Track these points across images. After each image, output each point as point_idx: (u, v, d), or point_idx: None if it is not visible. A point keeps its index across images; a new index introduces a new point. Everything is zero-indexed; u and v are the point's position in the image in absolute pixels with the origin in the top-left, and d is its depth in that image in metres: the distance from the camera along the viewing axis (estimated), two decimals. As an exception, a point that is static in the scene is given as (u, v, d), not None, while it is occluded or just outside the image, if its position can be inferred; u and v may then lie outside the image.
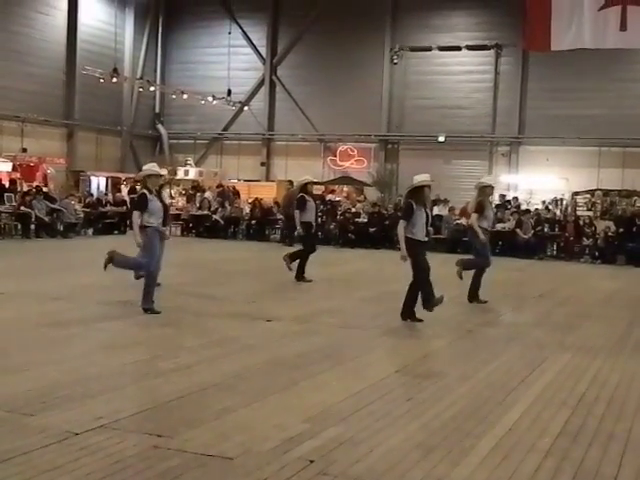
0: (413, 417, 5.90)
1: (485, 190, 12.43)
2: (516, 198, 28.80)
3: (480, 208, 12.16)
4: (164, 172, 11.99)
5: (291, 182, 26.43)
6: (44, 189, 25.95)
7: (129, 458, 4.76)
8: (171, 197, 28.42)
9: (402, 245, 10.15)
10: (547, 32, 28.98)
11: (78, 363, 7.23)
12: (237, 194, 30.04)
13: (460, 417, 5.94)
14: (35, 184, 26.73)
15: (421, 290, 10.20)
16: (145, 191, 10.21)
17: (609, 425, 5.88)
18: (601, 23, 28.35)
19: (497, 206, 25.05)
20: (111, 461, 4.69)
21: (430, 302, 10.14)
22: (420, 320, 10.14)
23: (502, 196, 28.69)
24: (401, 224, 10.24)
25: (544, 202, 28.33)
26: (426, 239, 10.36)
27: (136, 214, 10.09)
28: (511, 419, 5.92)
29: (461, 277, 12.10)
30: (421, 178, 10.32)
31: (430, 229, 10.70)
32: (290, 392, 6.51)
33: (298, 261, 14.23)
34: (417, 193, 10.25)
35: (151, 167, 10.50)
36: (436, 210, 23.88)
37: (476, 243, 12.28)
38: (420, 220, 10.16)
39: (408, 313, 10.26)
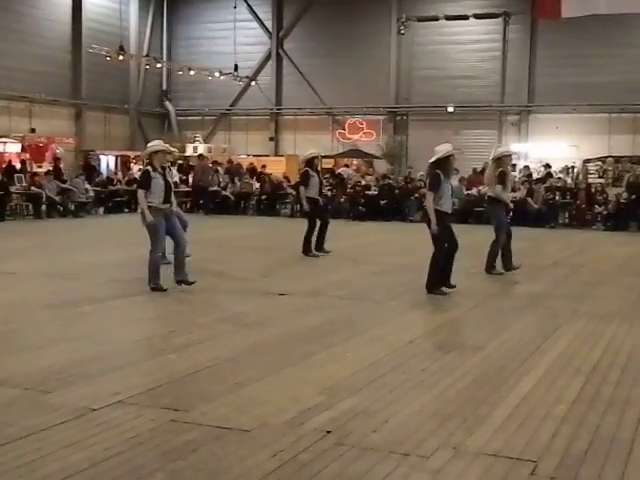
0: (427, 387, 5.91)
1: (505, 160, 12.01)
2: (527, 167, 28.60)
3: (502, 179, 11.68)
4: (173, 150, 11.88)
5: (201, 156, 26.37)
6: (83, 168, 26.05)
7: (146, 432, 4.80)
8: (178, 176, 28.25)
9: (432, 218, 9.90)
10: (557, -1, 28.62)
11: (93, 340, 7.27)
12: (254, 170, 29.45)
13: (475, 386, 5.95)
14: (50, 168, 26.45)
15: (430, 271, 10.08)
16: (149, 168, 10.12)
17: (624, 391, 5.88)
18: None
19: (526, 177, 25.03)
20: (128, 436, 4.72)
21: (431, 286, 10.03)
22: (444, 293, 9.99)
23: (513, 165, 28.44)
24: (429, 196, 10.02)
25: (548, 165, 28.14)
26: (450, 210, 10.27)
27: (141, 193, 9.94)
28: (526, 387, 5.93)
29: (495, 272, 11.90)
30: (445, 148, 10.10)
31: (455, 200, 10.48)
32: (305, 365, 6.53)
33: (313, 237, 14.29)
34: (443, 164, 10.05)
35: (157, 144, 10.40)
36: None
37: (493, 217, 12.13)
38: (447, 191, 10.01)
39: (433, 285, 10.11)
